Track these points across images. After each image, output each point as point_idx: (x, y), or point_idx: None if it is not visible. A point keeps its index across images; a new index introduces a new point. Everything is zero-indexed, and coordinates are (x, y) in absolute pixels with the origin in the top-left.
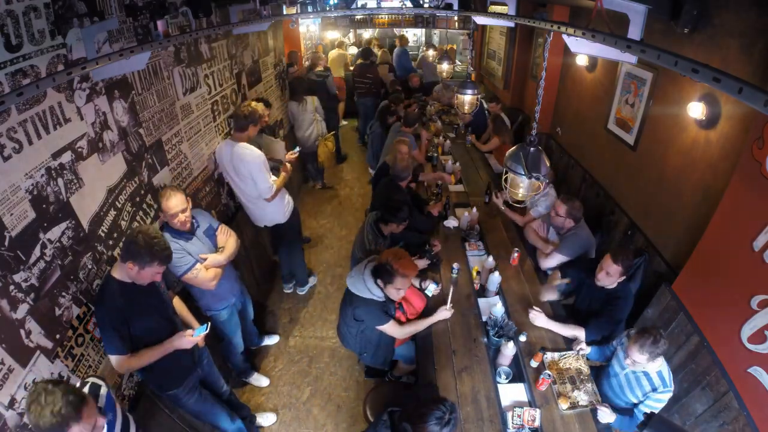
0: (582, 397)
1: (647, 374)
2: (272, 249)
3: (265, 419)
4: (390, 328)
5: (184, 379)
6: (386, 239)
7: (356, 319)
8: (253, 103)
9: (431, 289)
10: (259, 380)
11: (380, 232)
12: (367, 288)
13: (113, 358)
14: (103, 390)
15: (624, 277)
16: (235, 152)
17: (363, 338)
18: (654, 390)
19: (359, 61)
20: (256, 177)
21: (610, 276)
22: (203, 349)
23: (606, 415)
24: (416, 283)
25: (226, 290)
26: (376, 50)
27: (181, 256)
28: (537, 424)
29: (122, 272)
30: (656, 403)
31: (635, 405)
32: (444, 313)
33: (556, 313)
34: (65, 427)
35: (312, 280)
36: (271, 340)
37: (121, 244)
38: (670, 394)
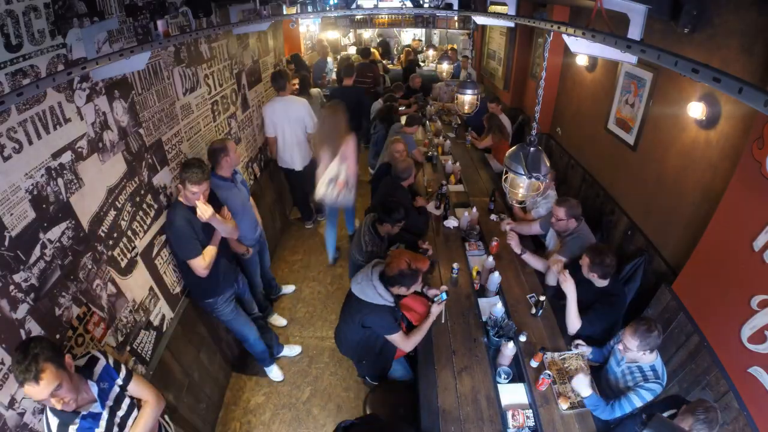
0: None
1: (641, 368)
2: (290, 188)
3: (290, 350)
4: (398, 338)
5: (222, 290)
6: (384, 241)
7: (363, 326)
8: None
9: (443, 296)
10: (278, 320)
11: (377, 233)
12: (378, 294)
13: (194, 262)
14: (101, 362)
15: (606, 272)
16: (287, 103)
17: (366, 346)
18: (645, 380)
19: (358, 60)
20: (306, 117)
21: (584, 267)
22: (239, 272)
23: (581, 384)
24: (424, 291)
25: (248, 231)
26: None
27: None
28: (530, 423)
29: (183, 196)
30: (645, 392)
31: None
32: (436, 307)
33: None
34: (22, 384)
35: (319, 217)
36: (288, 289)
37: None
38: (661, 389)
